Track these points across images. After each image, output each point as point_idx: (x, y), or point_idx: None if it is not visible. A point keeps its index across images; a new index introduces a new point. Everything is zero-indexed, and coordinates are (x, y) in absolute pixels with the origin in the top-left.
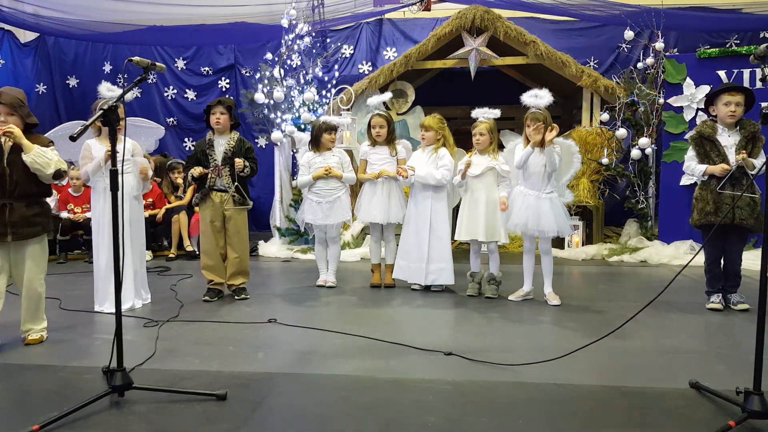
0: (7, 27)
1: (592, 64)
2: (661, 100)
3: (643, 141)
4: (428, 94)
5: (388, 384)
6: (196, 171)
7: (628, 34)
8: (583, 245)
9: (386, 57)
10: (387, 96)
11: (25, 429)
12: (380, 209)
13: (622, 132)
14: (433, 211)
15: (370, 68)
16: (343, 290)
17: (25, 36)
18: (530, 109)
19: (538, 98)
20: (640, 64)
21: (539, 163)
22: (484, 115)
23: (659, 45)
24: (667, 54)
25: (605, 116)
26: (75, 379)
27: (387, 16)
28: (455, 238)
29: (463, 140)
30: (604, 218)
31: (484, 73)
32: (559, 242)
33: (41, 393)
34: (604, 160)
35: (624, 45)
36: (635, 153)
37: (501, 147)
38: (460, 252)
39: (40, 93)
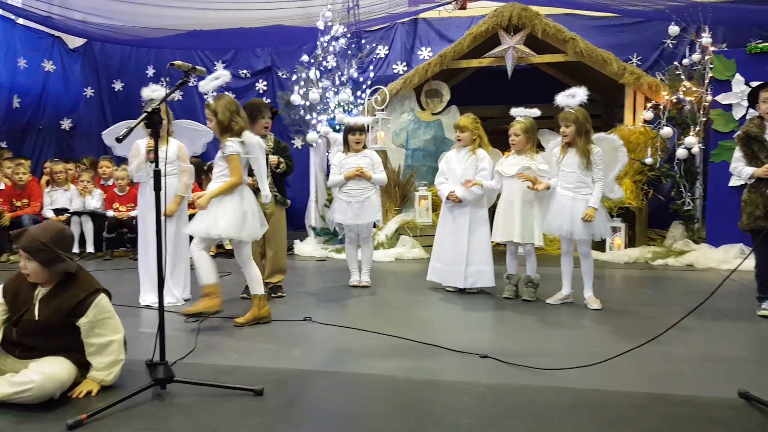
0: (57, 33)
1: (634, 60)
2: (709, 98)
3: (690, 140)
4: (464, 93)
5: (422, 385)
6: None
7: (673, 29)
8: (625, 248)
9: (421, 57)
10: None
11: (73, 419)
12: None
13: (667, 131)
14: (471, 212)
15: (405, 68)
16: (377, 290)
17: (74, 42)
18: (564, 108)
19: (571, 97)
20: (686, 60)
21: (574, 163)
22: (522, 115)
23: (706, 40)
24: (715, 50)
25: (649, 114)
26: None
27: (422, 15)
28: (491, 239)
29: (500, 140)
30: (648, 220)
31: (522, 72)
32: (600, 245)
33: None
34: (648, 160)
35: (669, 41)
36: (681, 152)
37: (540, 147)
38: (496, 254)
39: (88, 96)
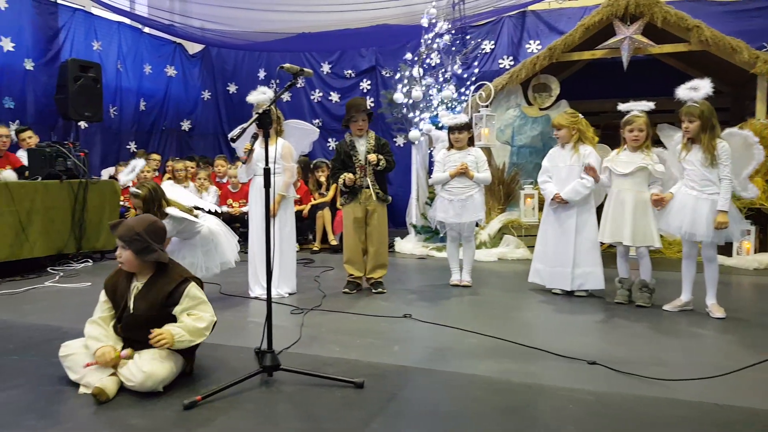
0: (178, 40)
1: None
2: None
3: None
4: (575, 87)
5: (524, 388)
6: (349, 179)
7: None
8: (755, 252)
9: (529, 50)
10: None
11: (189, 399)
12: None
13: None
14: (578, 211)
15: (512, 63)
16: (479, 290)
17: (193, 48)
18: (686, 102)
19: (694, 90)
20: None
21: (697, 160)
22: (637, 109)
23: None
24: None
25: None
26: (231, 357)
27: (531, 8)
28: (599, 239)
29: (614, 135)
30: None
31: (639, 63)
32: (725, 248)
33: (204, 368)
34: None
35: None
36: None
37: (656, 142)
38: (605, 256)
39: (205, 99)
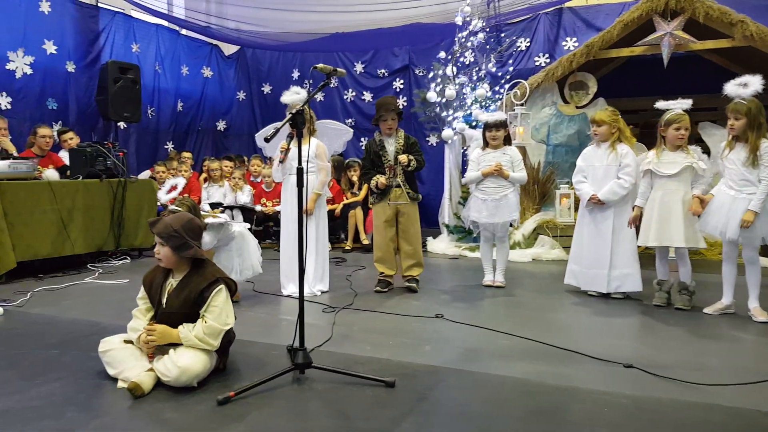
0: (214, 42)
1: None
2: None
3: None
4: (612, 85)
5: (557, 391)
6: (381, 182)
7: None
8: None
9: (566, 47)
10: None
11: (223, 395)
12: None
13: None
14: (616, 212)
15: (548, 60)
16: (512, 291)
17: (229, 49)
18: (733, 99)
19: (743, 87)
20: None
21: (738, 159)
22: (676, 107)
23: None
24: None
25: None
26: (264, 354)
27: (567, 4)
28: (639, 243)
29: (651, 134)
30: None
31: (679, 60)
32: None
33: (237, 364)
34: None
35: None
36: None
37: (697, 140)
38: (643, 257)
39: (240, 100)
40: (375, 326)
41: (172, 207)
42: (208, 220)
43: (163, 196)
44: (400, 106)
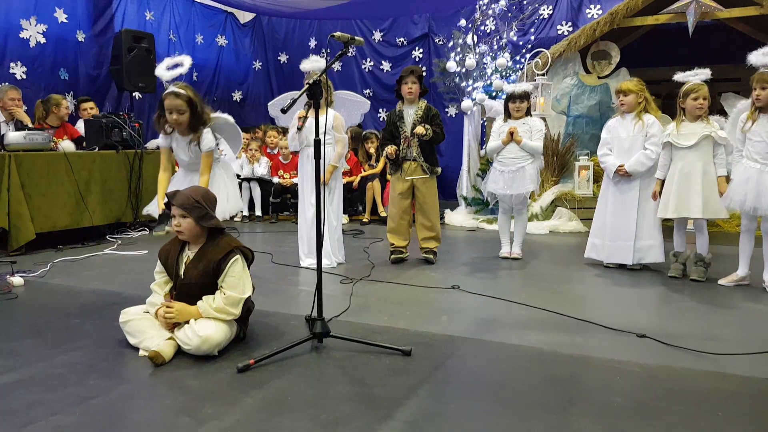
0: (230, 10)
1: None
2: None
3: None
4: (636, 54)
5: (572, 360)
6: (391, 152)
7: None
8: None
9: (589, 15)
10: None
11: (243, 363)
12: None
13: None
14: (642, 184)
15: (570, 29)
16: (529, 263)
17: (244, 17)
18: (759, 69)
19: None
20: None
21: (764, 131)
22: (695, 77)
23: None
24: None
25: None
26: (283, 324)
27: None
28: (658, 215)
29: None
30: None
31: (705, 28)
32: None
33: (257, 334)
34: None
35: None
36: None
37: (720, 112)
38: (663, 229)
39: (256, 69)
40: (392, 297)
41: (174, 88)
42: (214, 115)
43: (165, 73)
44: None
